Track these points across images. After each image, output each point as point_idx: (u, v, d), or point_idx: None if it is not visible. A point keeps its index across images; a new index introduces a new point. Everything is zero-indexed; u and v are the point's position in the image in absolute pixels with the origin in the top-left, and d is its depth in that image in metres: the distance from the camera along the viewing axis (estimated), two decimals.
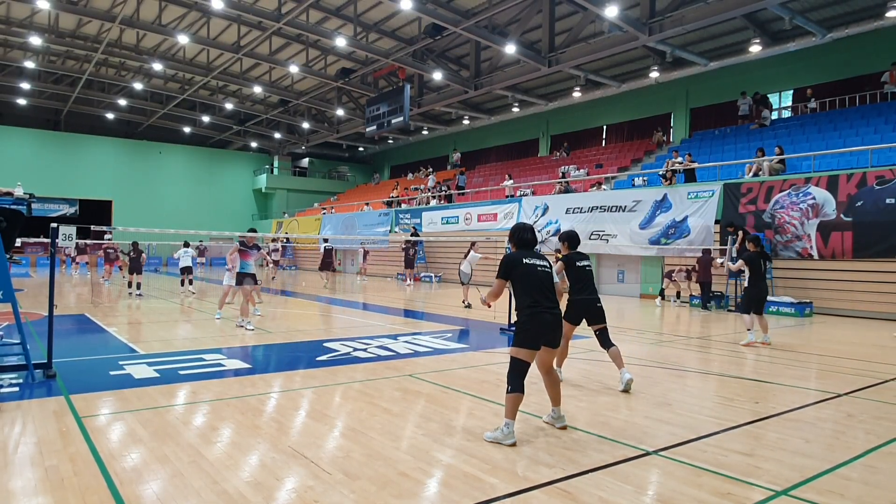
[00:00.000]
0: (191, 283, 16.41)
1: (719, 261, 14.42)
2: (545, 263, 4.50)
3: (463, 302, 14.60)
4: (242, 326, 9.69)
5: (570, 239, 6.20)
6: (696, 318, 13.03)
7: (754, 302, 9.01)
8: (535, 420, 4.83)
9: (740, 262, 9.24)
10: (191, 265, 16.34)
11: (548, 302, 4.37)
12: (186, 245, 16.57)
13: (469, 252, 14.96)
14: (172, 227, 33.10)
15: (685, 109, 23.91)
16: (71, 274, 25.58)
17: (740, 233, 14.29)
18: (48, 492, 3.26)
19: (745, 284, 9.28)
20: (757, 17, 18.09)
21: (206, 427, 4.52)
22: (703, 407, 5.37)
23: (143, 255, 16.59)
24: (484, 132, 33.10)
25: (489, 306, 4.81)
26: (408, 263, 22.78)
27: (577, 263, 6.05)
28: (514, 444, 4.14)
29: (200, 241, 33.36)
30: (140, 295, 15.76)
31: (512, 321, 10.04)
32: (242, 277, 9.91)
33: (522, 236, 4.60)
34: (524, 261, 4.40)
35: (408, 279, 22.96)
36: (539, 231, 20.60)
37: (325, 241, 21.76)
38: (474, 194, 26.40)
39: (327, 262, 20.94)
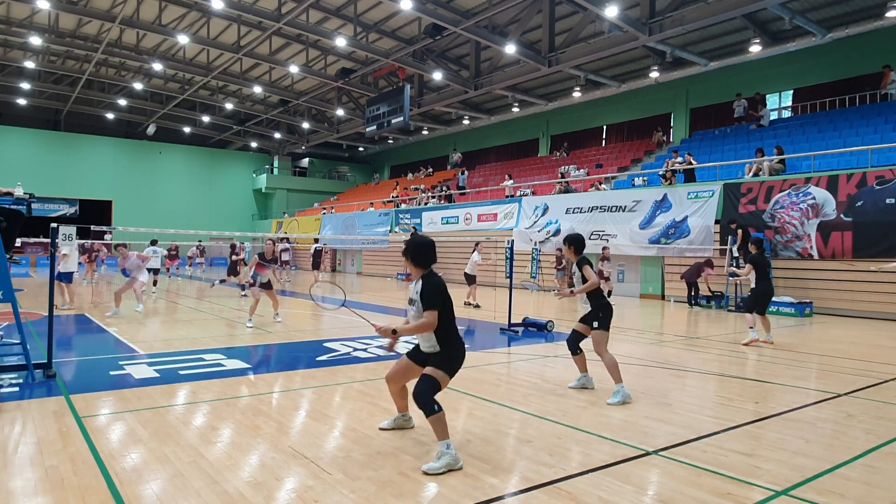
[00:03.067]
0: (154, 283, 16.32)
1: (728, 269, 14.45)
2: None
3: (466, 302, 14.59)
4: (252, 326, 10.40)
5: (577, 243, 5.76)
6: (696, 318, 13.03)
7: (759, 302, 9.09)
8: (534, 420, 4.83)
9: (748, 266, 9.19)
10: (158, 266, 16.28)
11: None
12: (154, 243, 16.35)
13: (473, 252, 15.11)
14: (172, 228, 33.12)
15: (685, 109, 23.91)
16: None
17: (740, 231, 14.29)
18: (48, 492, 3.26)
19: (752, 285, 9.34)
20: (757, 17, 18.09)
21: (206, 427, 4.52)
22: (703, 407, 5.37)
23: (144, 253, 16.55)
24: (484, 132, 33.10)
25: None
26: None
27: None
28: (461, 468, 3.71)
29: (199, 241, 33.34)
30: (147, 293, 15.80)
31: (512, 321, 10.05)
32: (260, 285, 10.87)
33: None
34: None
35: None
36: (539, 231, 20.61)
37: (316, 241, 21.81)
38: (474, 194, 26.41)
39: (317, 262, 21.01)
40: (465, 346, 4.08)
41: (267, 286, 10.79)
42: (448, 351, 3.96)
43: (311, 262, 21.28)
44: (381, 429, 4.50)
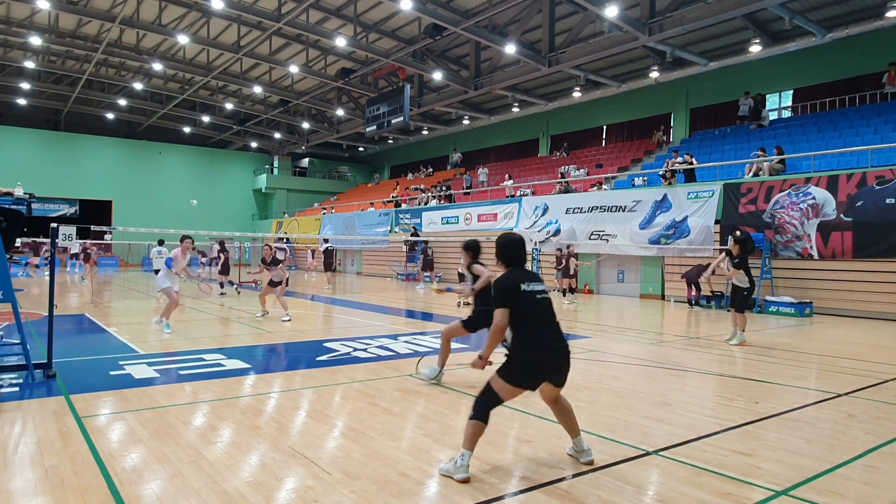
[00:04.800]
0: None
1: (725, 268, 14.48)
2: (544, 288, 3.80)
3: (461, 303, 14.60)
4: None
5: (474, 249, 6.45)
6: (696, 318, 13.03)
7: (749, 299, 9.30)
8: (534, 420, 4.83)
9: (733, 270, 9.41)
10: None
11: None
12: (161, 243, 16.37)
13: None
14: (172, 228, 33.11)
15: (685, 109, 23.91)
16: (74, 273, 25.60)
17: (738, 233, 14.23)
18: (48, 492, 3.26)
19: (741, 285, 9.36)
20: (757, 17, 18.08)
21: (206, 427, 4.52)
22: (702, 407, 5.37)
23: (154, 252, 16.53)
24: (484, 132, 33.09)
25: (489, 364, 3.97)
26: (427, 265, 22.32)
27: None
28: (467, 479, 3.48)
29: (212, 240, 33.28)
30: (223, 293, 15.96)
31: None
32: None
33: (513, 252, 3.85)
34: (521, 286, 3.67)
35: (423, 280, 22.81)
36: (539, 231, 20.61)
37: (326, 241, 21.69)
38: (474, 194, 26.41)
39: (329, 263, 20.89)
40: (547, 353, 3.61)
41: (274, 284, 11.50)
42: (512, 356, 3.63)
43: (323, 263, 21.14)
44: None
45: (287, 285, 11.74)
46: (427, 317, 12.72)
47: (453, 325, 6.29)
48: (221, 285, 16.64)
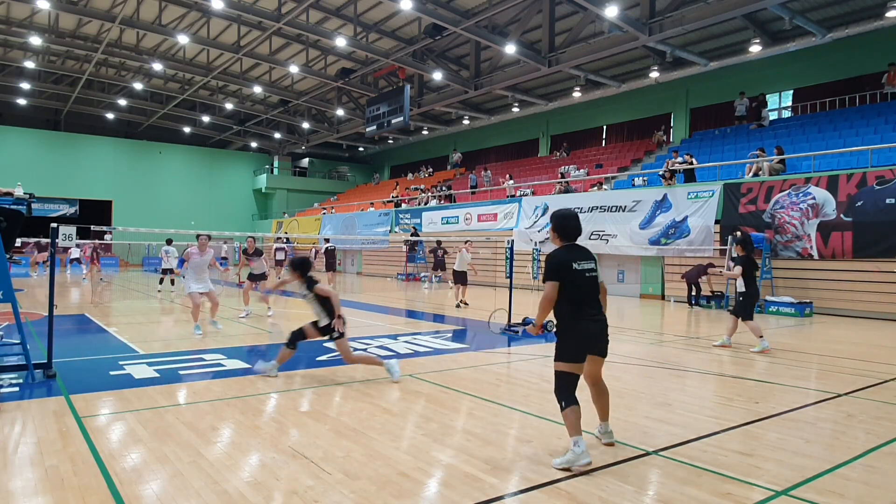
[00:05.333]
0: (172, 283, 16.38)
1: (719, 271, 14.43)
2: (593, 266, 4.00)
3: (457, 304, 14.52)
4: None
5: (303, 267, 6.44)
6: (696, 318, 13.03)
7: (752, 306, 8.60)
8: (534, 420, 4.83)
9: (738, 269, 8.65)
10: (173, 266, 16.33)
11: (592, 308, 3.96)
12: (169, 243, 16.41)
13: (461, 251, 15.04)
14: (172, 228, 33.11)
15: (685, 109, 23.91)
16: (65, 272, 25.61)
17: (738, 233, 14.23)
18: (48, 492, 3.26)
19: (742, 289, 8.70)
20: (757, 17, 18.09)
21: (206, 427, 4.52)
22: (702, 407, 5.37)
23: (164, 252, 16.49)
24: (484, 132, 33.09)
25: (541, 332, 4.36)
26: (437, 265, 21.67)
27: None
28: (589, 464, 3.65)
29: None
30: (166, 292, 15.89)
31: (512, 321, 10.05)
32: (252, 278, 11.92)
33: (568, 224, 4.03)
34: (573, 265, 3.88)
35: (431, 280, 22.74)
36: (539, 231, 20.61)
37: (327, 241, 21.62)
38: (474, 194, 26.39)
39: (331, 263, 20.82)
40: (594, 321, 3.89)
41: (257, 278, 11.81)
42: (562, 337, 3.91)
43: (325, 263, 21.03)
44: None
45: (266, 280, 11.87)
46: (428, 317, 12.71)
47: (306, 327, 6.25)
48: (161, 282, 16.52)
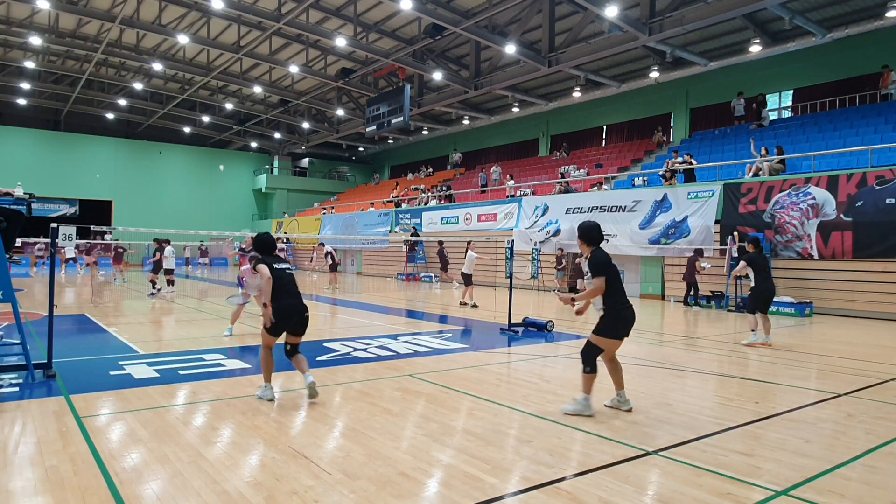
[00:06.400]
0: (171, 283, 16.28)
1: (703, 265, 14.61)
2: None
3: (462, 303, 14.61)
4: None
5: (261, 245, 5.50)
6: (696, 318, 13.03)
7: (761, 301, 8.92)
8: (534, 420, 4.83)
9: (742, 264, 9.09)
10: (174, 266, 16.23)
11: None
12: (168, 243, 16.33)
13: (466, 251, 15.09)
14: (172, 227, 33.12)
15: (685, 109, 23.91)
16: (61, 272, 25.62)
17: (735, 234, 14.26)
18: (48, 492, 3.26)
19: (752, 284, 9.11)
20: (757, 17, 18.09)
21: (206, 427, 4.52)
22: (703, 407, 5.37)
23: (162, 253, 16.25)
24: (484, 132, 33.10)
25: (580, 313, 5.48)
26: (443, 265, 21.51)
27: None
28: (592, 416, 4.81)
29: (201, 241, 33.32)
30: (161, 294, 15.73)
31: (512, 321, 10.05)
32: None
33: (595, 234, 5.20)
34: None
35: (440, 280, 22.67)
36: (539, 231, 20.61)
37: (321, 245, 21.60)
38: (474, 194, 26.38)
39: (334, 264, 20.84)
40: (632, 310, 4.99)
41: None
42: (609, 317, 4.91)
43: (330, 265, 21.00)
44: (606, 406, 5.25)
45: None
46: (428, 317, 12.72)
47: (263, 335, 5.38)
48: (153, 284, 16.03)
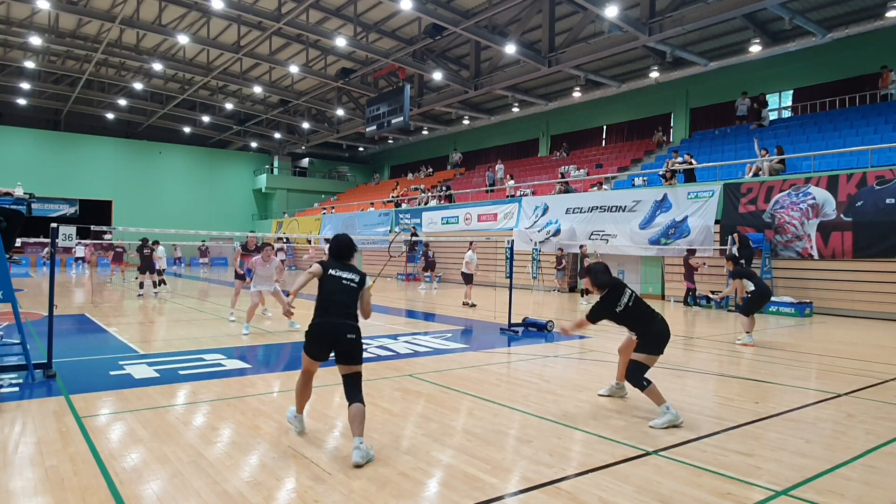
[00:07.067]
0: (163, 283, 16.26)
1: (701, 263, 14.73)
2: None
3: (464, 303, 14.63)
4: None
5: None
6: (696, 318, 13.03)
7: (756, 305, 9.15)
8: (534, 420, 4.83)
9: (737, 281, 9.19)
10: (165, 266, 16.20)
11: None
12: (157, 244, 16.28)
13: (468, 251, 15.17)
14: (173, 227, 33.11)
15: (685, 109, 23.91)
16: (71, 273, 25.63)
17: (736, 235, 14.23)
18: (48, 492, 3.26)
19: (751, 289, 9.19)
20: (757, 17, 18.08)
21: (206, 427, 4.52)
22: (703, 407, 5.37)
23: (155, 253, 16.15)
24: (484, 132, 33.09)
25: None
26: (429, 265, 22.15)
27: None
28: (682, 422, 4.75)
29: (203, 241, 33.31)
30: (149, 294, 15.70)
31: (512, 321, 10.05)
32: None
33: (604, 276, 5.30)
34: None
35: (423, 280, 22.79)
36: (539, 231, 20.61)
37: (327, 241, 21.60)
38: (474, 194, 26.36)
39: None
40: (664, 325, 5.17)
41: (241, 276, 11.35)
42: (644, 338, 5.10)
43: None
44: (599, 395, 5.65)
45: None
46: (428, 317, 12.71)
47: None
48: (141, 286, 15.94)
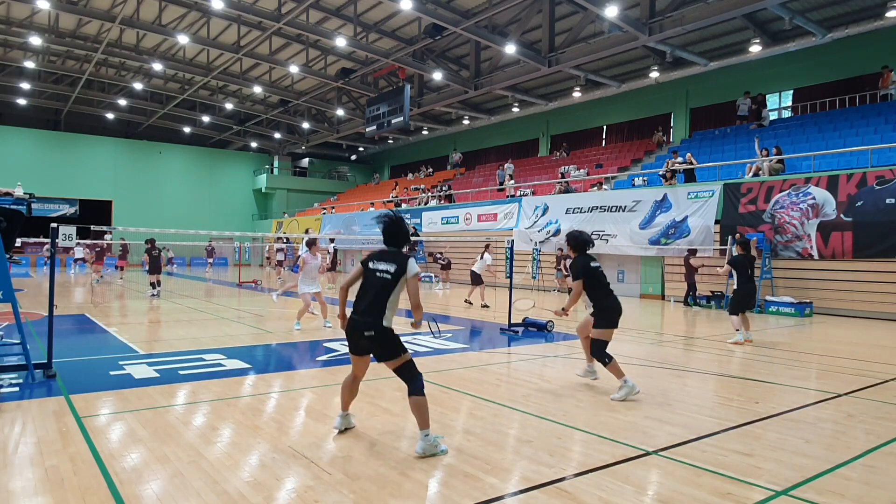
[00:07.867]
0: (158, 283, 16.33)
1: (701, 263, 14.82)
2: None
3: (466, 301, 14.72)
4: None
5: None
6: (696, 318, 13.03)
7: (741, 304, 9.21)
8: (534, 420, 4.83)
9: (726, 266, 9.58)
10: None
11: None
12: (152, 242, 16.37)
13: (483, 253, 15.29)
14: (173, 227, 33.12)
15: (685, 109, 23.91)
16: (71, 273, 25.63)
17: (737, 235, 14.28)
18: (48, 492, 3.26)
19: (734, 287, 9.46)
20: (757, 17, 18.09)
21: (206, 427, 4.52)
22: (703, 407, 5.37)
23: (162, 253, 16.23)
24: (484, 132, 33.09)
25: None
26: (445, 267, 22.02)
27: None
28: (639, 392, 5.45)
29: (210, 241, 33.24)
30: (154, 295, 15.71)
31: (512, 321, 10.05)
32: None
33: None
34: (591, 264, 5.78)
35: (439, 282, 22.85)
36: (539, 231, 20.61)
37: (332, 241, 21.63)
38: (474, 194, 26.35)
39: (334, 263, 20.93)
40: (616, 300, 5.72)
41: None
42: (600, 313, 5.67)
43: (331, 262, 21.07)
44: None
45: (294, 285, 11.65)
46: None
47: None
48: (152, 286, 16.11)
